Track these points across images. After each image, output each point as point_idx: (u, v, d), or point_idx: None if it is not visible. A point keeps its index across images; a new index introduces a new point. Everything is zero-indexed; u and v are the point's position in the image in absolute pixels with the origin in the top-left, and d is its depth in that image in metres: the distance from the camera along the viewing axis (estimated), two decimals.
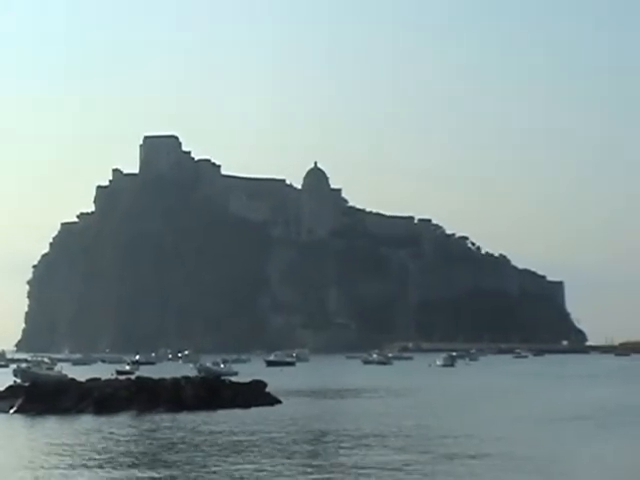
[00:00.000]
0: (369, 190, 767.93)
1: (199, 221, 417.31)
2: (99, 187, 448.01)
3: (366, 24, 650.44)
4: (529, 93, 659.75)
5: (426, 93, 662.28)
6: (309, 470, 37.03)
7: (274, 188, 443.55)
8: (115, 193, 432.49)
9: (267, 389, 69.79)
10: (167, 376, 72.18)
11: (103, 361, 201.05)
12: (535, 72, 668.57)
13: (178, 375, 73.56)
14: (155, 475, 33.10)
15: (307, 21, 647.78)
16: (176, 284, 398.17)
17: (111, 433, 48.62)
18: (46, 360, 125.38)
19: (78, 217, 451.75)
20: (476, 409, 67.64)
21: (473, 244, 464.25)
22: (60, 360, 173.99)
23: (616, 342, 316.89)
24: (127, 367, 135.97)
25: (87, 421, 56.50)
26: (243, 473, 33.67)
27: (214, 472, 34.01)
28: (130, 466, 35.24)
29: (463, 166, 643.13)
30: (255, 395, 67.20)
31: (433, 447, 41.95)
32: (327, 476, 33.43)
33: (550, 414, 60.02)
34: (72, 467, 35.27)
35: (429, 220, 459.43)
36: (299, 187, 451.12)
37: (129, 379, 74.89)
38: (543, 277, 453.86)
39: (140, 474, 33.11)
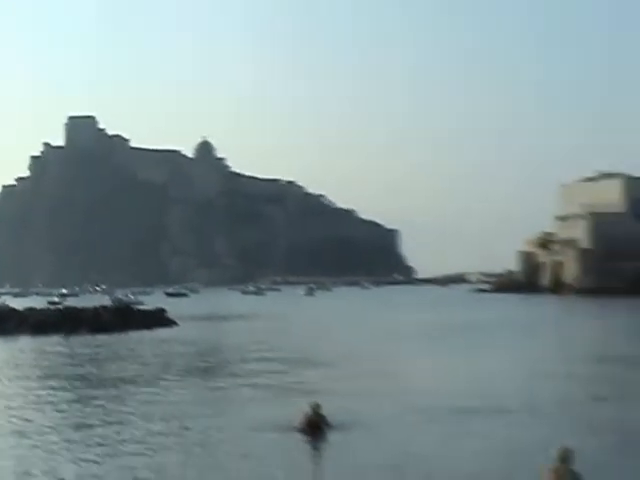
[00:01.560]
0: (246, 157, 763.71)
1: (113, 185, 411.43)
2: (32, 157, 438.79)
3: None
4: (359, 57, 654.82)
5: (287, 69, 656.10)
6: (209, 368, 38.15)
7: (172, 157, 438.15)
8: (46, 162, 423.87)
9: (167, 315, 69.99)
10: (88, 305, 72.00)
11: (38, 294, 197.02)
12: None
13: (97, 305, 73.65)
14: (77, 384, 33.21)
15: None
16: (95, 234, 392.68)
17: (44, 351, 48.59)
18: None
19: (16, 181, 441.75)
20: (332, 329, 68.09)
21: (328, 200, 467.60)
22: (3, 294, 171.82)
23: (437, 275, 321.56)
24: (56, 299, 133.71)
25: (25, 341, 56.13)
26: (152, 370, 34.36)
27: (124, 373, 34.47)
28: (59, 377, 35.15)
29: (315, 136, 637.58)
30: (157, 319, 67.34)
31: (299, 356, 42.66)
32: (223, 380, 33.91)
33: (390, 331, 60.76)
34: (16, 378, 35.19)
35: (293, 182, 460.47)
36: (191, 156, 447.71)
37: (58, 308, 74.60)
38: (382, 226, 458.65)
39: (65, 383, 33.13)
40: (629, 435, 20.79)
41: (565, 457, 12.48)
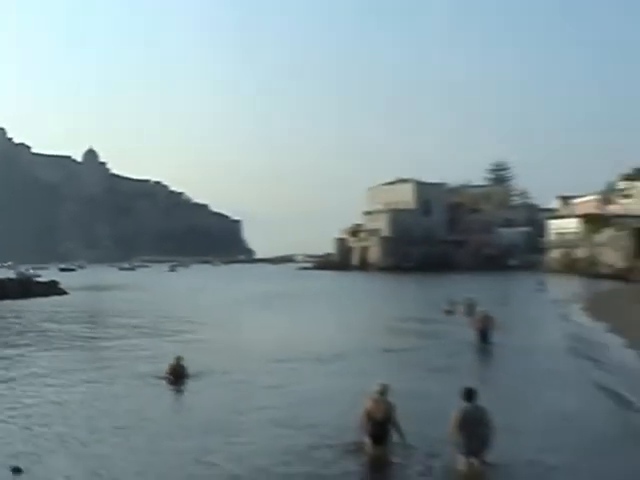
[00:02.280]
0: (125, 162, 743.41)
1: (16, 184, 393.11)
2: None
3: None
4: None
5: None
6: (93, 327, 36.76)
7: (65, 162, 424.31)
8: None
9: (59, 285, 67.31)
10: None
11: None
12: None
13: (3, 277, 70.30)
14: None
15: None
16: (4, 224, 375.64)
17: None
18: None
19: None
20: (190, 296, 66.72)
21: (187, 197, 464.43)
22: None
23: (271, 256, 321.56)
24: None
25: None
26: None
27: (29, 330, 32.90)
28: None
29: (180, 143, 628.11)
30: (52, 289, 64.64)
31: (165, 317, 41.48)
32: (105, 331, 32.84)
33: (235, 299, 59.81)
34: None
35: (159, 182, 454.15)
36: (80, 161, 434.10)
37: None
38: (229, 217, 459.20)
39: None
40: (428, 371, 21.36)
41: (383, 391, 12.28)
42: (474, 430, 11.17)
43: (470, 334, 27.31)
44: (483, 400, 11.71)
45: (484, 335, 26.60)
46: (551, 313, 41.13)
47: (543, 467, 11.76)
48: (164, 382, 19.59)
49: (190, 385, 19.35)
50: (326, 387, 19.07)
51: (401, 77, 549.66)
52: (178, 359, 20.14)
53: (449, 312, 38.69)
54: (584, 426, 14.49)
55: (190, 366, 20.30)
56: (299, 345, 27.80)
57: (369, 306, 50.87)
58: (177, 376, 19.72)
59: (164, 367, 20.29)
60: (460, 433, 11.21)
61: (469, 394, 11.46)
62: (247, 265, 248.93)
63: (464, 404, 11.39)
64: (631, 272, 67.53)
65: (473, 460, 11.24)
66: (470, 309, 36.04)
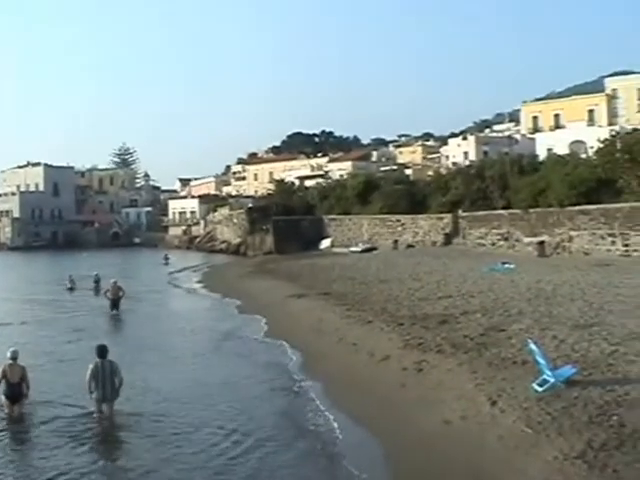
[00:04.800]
0: None
1: None
2: None
3: None
4: None
5: None
6: None
7: None
8: None
9: None
10: None
11: None
12: None
13: None
14: None
15: None
16: None
17: None
18: None
19: None
20: None
21: None
22: None
23: None
24: None
25: None
26: None
27: None
28: None
29: None
30: None
31: None
32: None
33: None
34: None
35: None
36: None
37: None
38: None
39: None
40: (68, 336, 22.27)
41: (14, 357, 13.61)
42: (105, 381, 13.18)
43: (98, 304, 29.55)
44: (113, 356, 13.78)
45: (115, 303, 29.10)
46: (169, 281, 45.78)
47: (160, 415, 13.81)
48: None
49: None
50: None
51: None
52: None
53: (71, 289, 39.84)
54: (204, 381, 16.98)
55: None
56: None
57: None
58: None
59: None
60: (94, 383, 13.14)
61: (101, 351, 13.51)
62: None
63: (97, 359, 13.34)
64: (244, 247, 73.62)
65: (105, 406, 13.24)
66: (96, 284, 38.52)
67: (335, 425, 12.54)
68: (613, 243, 35.88)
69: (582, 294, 21.56)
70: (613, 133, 43.70)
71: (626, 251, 34.82)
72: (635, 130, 40.93)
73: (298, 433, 12.35)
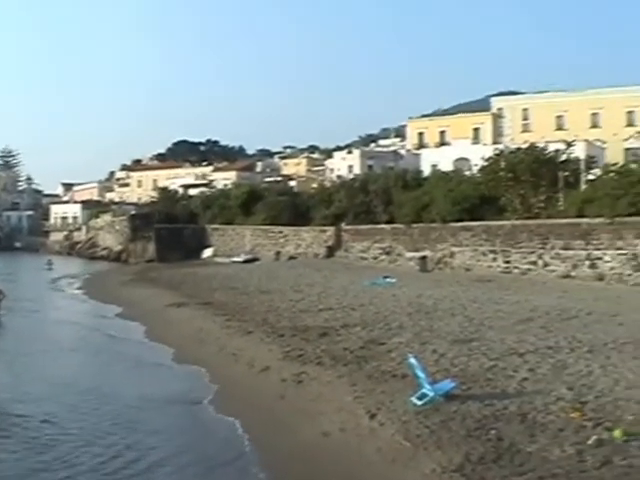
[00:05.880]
0: None
1: None
2: None
3: None
4: None
5: None
6: None
7: None
8: None
9: None
10: None
11: None
12: None
13: None
14: None
15: None
16: None
17: None
18: None
19: None
20: None
21: None
22: None
23: None
24: None
25: None
26: None
27: None
28: None
29: None
30: None
31: None
32: None
33: None
34: None
35: None
36: None
37: None
38: None
39: None
40: None
41: None
42: None
43: None
44: None
45: None
46: (51, 287, 45.31)
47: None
48: None
49: None
50: None
51: None
52: None
53: None
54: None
55: None
56: None
57: None
58: None
59: None
60: None
61: None
62: None
63: None
64: (125, 254, 71.49)
65: None
66: None
67: None
68: (494, 260, 36.84)
69: (463, 309, 21.87)
70: (497, 152, 44.45)
71: (507, 268, 35.81)
72: (519, 149, 41.88)
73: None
